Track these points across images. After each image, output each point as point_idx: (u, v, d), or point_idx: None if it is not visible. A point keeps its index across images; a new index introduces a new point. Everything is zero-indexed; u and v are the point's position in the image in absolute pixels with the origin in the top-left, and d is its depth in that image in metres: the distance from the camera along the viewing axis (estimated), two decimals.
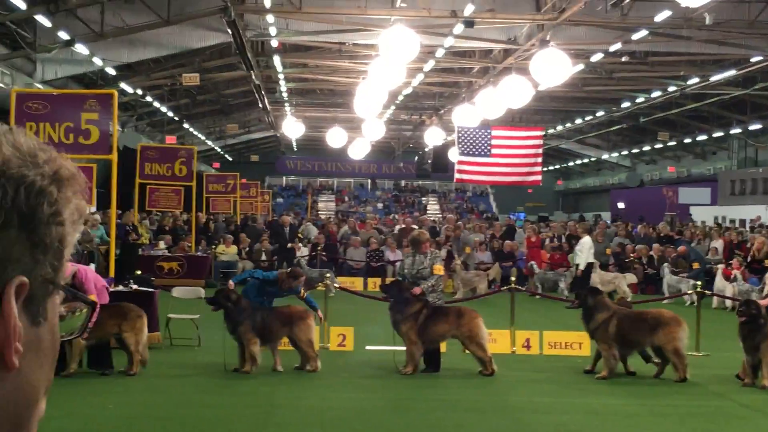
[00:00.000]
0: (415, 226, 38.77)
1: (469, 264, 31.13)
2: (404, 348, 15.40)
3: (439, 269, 15.84)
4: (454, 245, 32.78)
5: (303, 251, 33.84)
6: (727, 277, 26.61)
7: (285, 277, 16.02)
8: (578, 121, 61.32)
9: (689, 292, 21.20)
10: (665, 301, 24.75)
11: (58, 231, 1.32)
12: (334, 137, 50.59)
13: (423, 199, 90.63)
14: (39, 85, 33.24)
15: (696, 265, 29.56)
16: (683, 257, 30.22)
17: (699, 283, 20.67)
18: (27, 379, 1.31)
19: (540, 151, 32.11)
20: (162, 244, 31.09)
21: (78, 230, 1.38)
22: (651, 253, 32.32)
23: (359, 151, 57.68)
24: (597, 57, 36.47)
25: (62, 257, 1.34)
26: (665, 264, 29.79)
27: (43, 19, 29.86)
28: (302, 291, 15.89)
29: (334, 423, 11.95)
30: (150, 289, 17.66)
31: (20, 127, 1.34)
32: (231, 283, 16.29)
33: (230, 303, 15.03)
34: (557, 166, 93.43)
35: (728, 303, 25.13)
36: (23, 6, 28.14)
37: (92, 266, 20.22)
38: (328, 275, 20.73)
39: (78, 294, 1.44)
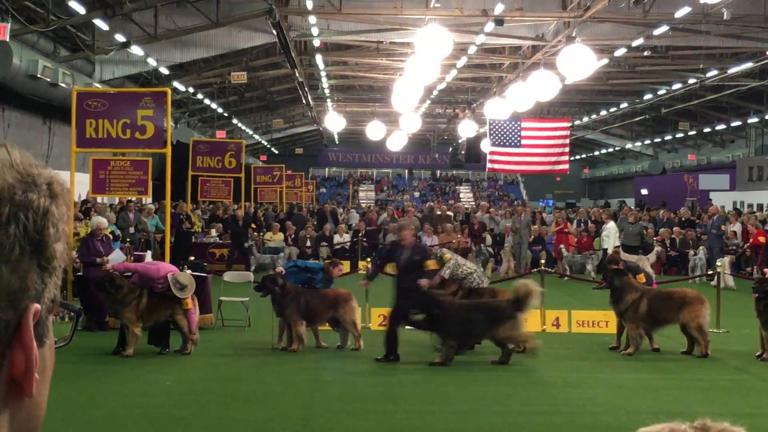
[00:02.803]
0: (450, 213, 38.75)
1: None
2: None
3: (431, 264, 15.13)
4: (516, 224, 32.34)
5: (345, 237, 33.91)
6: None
7: (328, 266, 16.08)
8: (603, 112, 60.93)
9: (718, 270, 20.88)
10: (691, 281, 25.07)
11: (59, 248, 1.25)
12: (374, 130, 50.70)
13: (457, 187, 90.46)
14: (98, 85, 33.41)
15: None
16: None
17: (719, 264, 20.61)
18: (36, 402, 1.26)
19: (567, 141, 32.08)
20: (213, 232, 31.24)
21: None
22: (673, 235, 32.27)
23: (397, 143, 57.77)
24: (620, 52, 36.20)
25: (60, 273, 1.27)
26: (701, 247, 29.72)
27: (101, 23, 30.07)
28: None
29: (376, 396, 11.98)
30: (203, 274, 17.76)
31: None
32: (281, 268, 16.37)
33: (277, 287, 15.07)
34: (583, 156, 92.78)
35: None
36: (82, 11, 28.39)
37: (149, 253, 20.40)
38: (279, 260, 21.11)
39: (65, 303, 1.39)
